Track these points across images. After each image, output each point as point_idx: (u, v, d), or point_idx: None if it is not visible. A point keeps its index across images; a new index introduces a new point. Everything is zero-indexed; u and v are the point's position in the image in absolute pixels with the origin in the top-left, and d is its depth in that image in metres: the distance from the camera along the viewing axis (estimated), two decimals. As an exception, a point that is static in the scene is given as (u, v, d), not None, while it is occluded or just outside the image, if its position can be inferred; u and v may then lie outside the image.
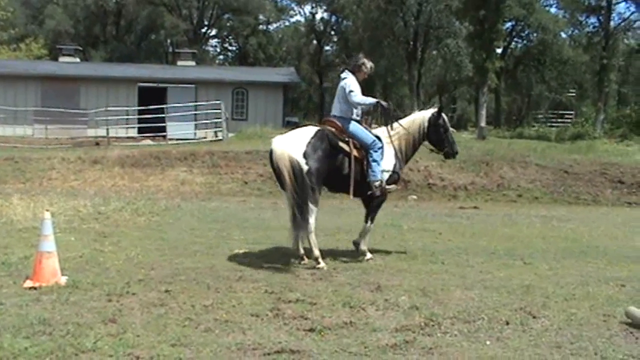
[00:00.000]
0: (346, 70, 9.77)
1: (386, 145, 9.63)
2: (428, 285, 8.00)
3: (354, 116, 9.60)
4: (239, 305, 6.88)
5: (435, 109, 10.27)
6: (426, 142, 10.29)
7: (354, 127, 9.47)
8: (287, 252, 9.72)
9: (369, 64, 9.69)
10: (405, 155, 10.06)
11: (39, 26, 63.96)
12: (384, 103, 9.76)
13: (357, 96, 9.39)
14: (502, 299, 7.40)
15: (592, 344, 5.90)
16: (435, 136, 10.16)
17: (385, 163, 9.51)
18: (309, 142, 8.91)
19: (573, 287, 8.17)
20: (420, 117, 10.14)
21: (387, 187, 9.62)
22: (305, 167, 8.74)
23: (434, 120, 10.07)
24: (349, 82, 9.46)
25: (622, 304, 7.16)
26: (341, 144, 9.29)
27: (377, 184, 9.37)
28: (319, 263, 8.94)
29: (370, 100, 9.57)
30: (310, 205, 8.79)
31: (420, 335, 6.04)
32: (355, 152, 9.32)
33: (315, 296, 7.29)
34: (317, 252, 9.01)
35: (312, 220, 8.91)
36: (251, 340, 5.75)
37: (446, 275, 8.76)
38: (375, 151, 9.36)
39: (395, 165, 9.71)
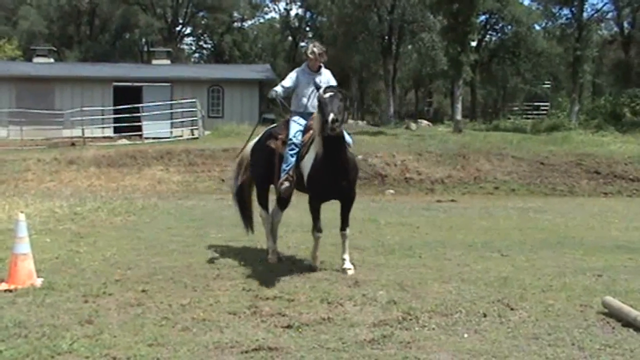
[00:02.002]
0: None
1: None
2: (406, 279, 8.02)
3: (303, 110, 8.91)
4: (216, 303, 6.85)
5: None
6: None
7: (292, 121, 8.85)
8: (264, 249, 9.69)
9: (310, 48, 8.97)
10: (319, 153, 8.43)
11: (13, 27, 63.34)
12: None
13: (273, 89, 9.00)
14: (480, 292, 7.43)
15: (569, 335, 5.94)
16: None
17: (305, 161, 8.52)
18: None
19: (550, 278, 8.22)
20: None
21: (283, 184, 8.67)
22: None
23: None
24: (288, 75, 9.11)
25: (599, 294, 7.21)
26: (269, 141, 9.01)
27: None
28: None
29: (275, 88, 9.00)
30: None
31: (398, 329, 6.04)
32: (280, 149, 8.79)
33: (292, 293, 7.28)
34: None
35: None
36: (229, 338, 5.73)
37: (424, 269, 8.79)
38: (287, 147, 8.64)
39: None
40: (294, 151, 8.55)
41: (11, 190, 19.73)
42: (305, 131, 8.65)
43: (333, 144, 7.94)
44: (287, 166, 8.55)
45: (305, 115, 8.80)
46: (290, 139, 8.59)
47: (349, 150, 8.36)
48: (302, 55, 9.12)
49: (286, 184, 8.53)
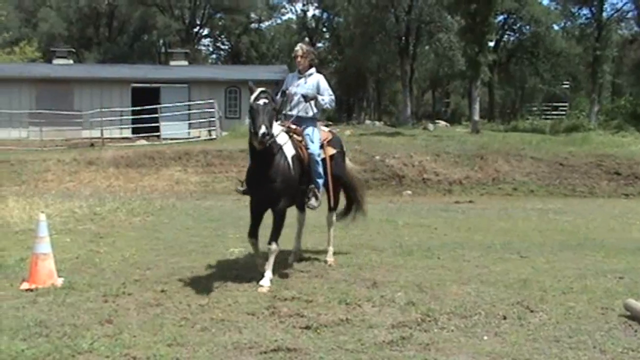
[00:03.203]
0: None
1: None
2: (424, 280, 7.99)
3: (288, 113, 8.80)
4: (235, 304, 6.86)
5: None
6: None
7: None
8: (281, 249, 9.69)
9: (297, 46, 8.82)
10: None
11: (33, 29, 63.77)
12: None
13: None
14: (499, 294, 7.39)
15: (590, 338, 5.89)
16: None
17: None
18: None
19: (570, 280, 8.16)
20: None
21: None
22: None
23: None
24: None
25: (620, 297, 7.15)
26: None
27: None
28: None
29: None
30: None
31: (416, 331, 6.02)
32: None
33: (311, 294, 7.28)
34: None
35: None
36: (247, 338, 5.74)
37: (442, 271, 8.75)
38: None
39: None
40: None
41: (31, 190, 19.86)
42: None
43: (261, 154, 7.60)
44: None
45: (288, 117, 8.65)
46: None
47: (286, 160, 7.92)
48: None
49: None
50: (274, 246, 7.89)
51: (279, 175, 7.79)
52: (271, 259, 7.89)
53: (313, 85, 8.60)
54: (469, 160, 24.42)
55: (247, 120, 8.38)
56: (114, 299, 7.02)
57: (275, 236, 7.94)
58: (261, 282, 7.63)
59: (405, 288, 7.53)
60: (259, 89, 7.63)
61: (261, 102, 7.41)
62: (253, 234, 8.17)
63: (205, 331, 5.95)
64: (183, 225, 13.15)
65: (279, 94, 8.36)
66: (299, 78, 8.68)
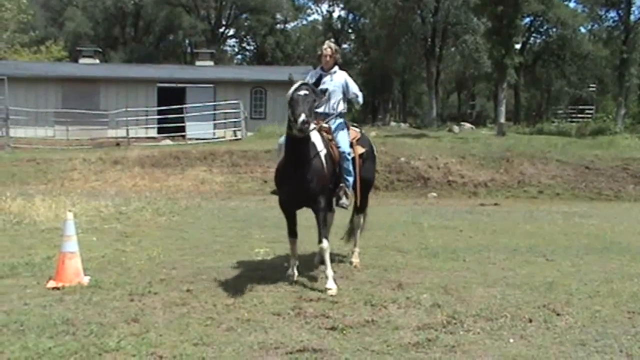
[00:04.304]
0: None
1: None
2: (450, 282, 7.97)
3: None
4: (260, 304, 6.89)
5: None
6: None
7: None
8: (306, 250, 9.70)
9: (326, 44, 8.69)
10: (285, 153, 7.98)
11: (59, 29, 64.44)
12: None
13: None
14: (525, 297, 7.35)
15: (617, 342, 5.85)
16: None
17: None
18: None
19: (597, 283, 8.10)
20: None
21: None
22: None
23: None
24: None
25: (646, 301, 7.10)
26: None
27: None
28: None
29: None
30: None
31: (442, 333, 6.01)
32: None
33: (336, 295, 7.28)
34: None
35: None
36: (273, 339, 5.76)
37: (468, 273, 8.72)
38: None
39: None
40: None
41: (57, 189, 20.01)
42: None
43: (296, 150, 7.53)
44: None
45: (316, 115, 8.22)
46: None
47: (319, 157, 7.74)
48: (318, 55, 8.80)
49: None
50: (325, 244, 7.72)
51: (314, 174, 7.63)
52: (327, 259, 7.75)
53: (340, 84, 8.53)
54: (495, 162, 24.28)
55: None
56: (140, 298, 7.07)
57: (323, 233, 7.75)
58: (327, 285, 7.50)
59: (430, 290, 7.52)
60: (300, 81, 7.61)
61: (302, 92, 7.38)
62: (293, 232, 8.19)
63: (231, 331, 5.98)
64: (208, 225, 13.21)
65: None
66: (324, 75, 8.54)
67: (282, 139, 7.96)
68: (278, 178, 8.01)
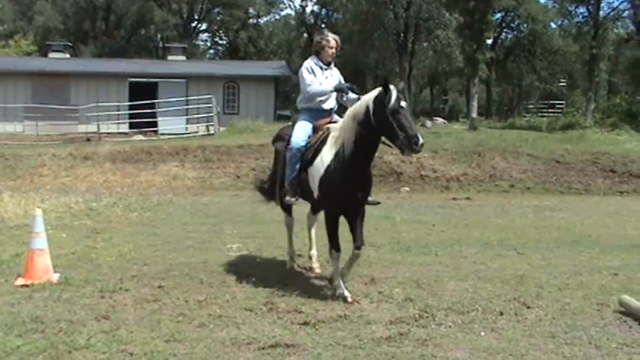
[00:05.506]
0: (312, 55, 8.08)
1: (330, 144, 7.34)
2: (422, 277, 8.01)
3: (315, 106, 7.92)
4: (232, 299, 6.87)
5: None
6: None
7: (297, 121, 7.96)
8: (280, 245, 9.69)
9: (330, 36, 7.91)
10: (349, 154, 7.00)
11: (28, 22, 63.63)
12: (342, 85, 7.84)
13: (312, 87, 7.73)
14: (496, 290, 7.41)
15: (586, 333, 5.92)
16: (381, 123, 6.76)
17: (314, 167, 7.39)
18: None
19: (566, 276, 8.19)
20: (362, 100, 7.14)
21: (287, 197, 7.84)
22: None
23: (379, 102, 6.81)
24: (303, 70, 7.86)
25: (615, 293, 7.18)
26: (276, 143, 8.40)
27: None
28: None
29: (324, 88, 7.77)
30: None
31: (414, 327, 6.04)
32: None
33: (309, 289, 7.27)
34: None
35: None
36: (245, 334, 5.74)
37: (440, 267, 8.77)
38: (289, 152, 7.73)
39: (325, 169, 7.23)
40: (296, 158, 7.58)
41: (27, 185, 19.82)
42: (314, 132, 7.72)
43: (369, 148, 7.02)
44: (290, 176, 7.67)
45: (315, 112, 7.89)
46: (291, 144, 7.65)
47: None
48: (318, 46, 7.91)
49: (290, 198, 7.73)
50: (363, 250, 7.46)
51: (371, 176, 7.46)
52: (356, 262, 7.61)
53: (338, 79, 8.05)
54: (467, 157, 24.43)
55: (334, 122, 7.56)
56: (111, 294, 7.01)
57: (362, 237, 7.37)
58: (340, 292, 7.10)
59: (403, 284, 7.54)
60: (394, 87, 6.76)
61: (404, 104, 6.73)
62: (340, 246, 7.30)
63: (202, 327, 5.95)
64: (180, 221, 13.14)
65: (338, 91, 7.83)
66: (324, 69, 7.91)
67: (300, 142, 7.57)
68: (336, 181, 7.08)
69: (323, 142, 7.38)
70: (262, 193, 9.33)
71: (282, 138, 8.15)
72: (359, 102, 7.15)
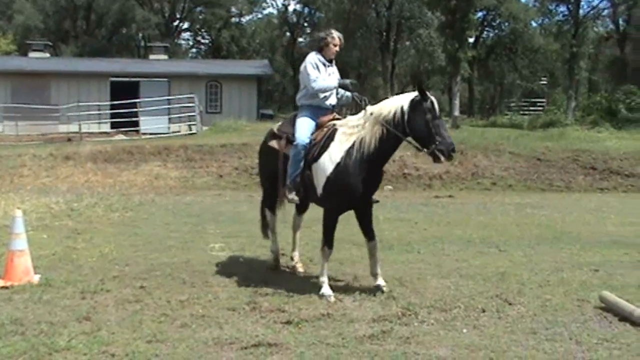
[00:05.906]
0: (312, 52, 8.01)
1: (339, 140, 7.33)
2: (404, 274, 8.04)
3: (317, 103, 7.82)
4: (215, 299, 6.85)
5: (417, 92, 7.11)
6: (410, 138, 7.19)
7: (299, 117, 7.82)
8: (262, 244, 9.67)
9: (335, 34, 7.85)
10: (368, 153, 7.08)
11: (7, 21, 62.99)
12: (346, 81, 7.87)
13: (317, 82, 7.64)
14: (478, 287, 7.45)
15: (567, 329, 5.96)
16: (418, 127, 6.97)
17: (320, 164, 7.33)
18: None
19: (547, 273, 8.25)
20: (394, 102, 7.25)
21: (289, 196, 7.68)
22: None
23: (415, 106, 6.97)
24: (307, 65, 7.75)
25: (596, 289, 7.24)
26: (271, 141, 8.18)
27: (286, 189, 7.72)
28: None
29: (329, 84, 7.76)
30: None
31: (397, 325, 6.05)
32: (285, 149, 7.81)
33: (292, 288, 7.27)
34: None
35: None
36: (228, 334, 5.73)
37: (422, 265, 8.80)
38: (293, 149, 7.62)
39: (335, 166, 7.21)
40: (301, 155, 7.48)
41: (6, 186, 19.64)
42: (316, 128, 7.64)
43: (390, 148, 7.23)
44: (293, 173, 7.57)
45: (317, 109, 7.79)
46: (296, 141, 7.54)
47: None
48: (322, 42, 7.84)
49: (293, 196, 7.61)
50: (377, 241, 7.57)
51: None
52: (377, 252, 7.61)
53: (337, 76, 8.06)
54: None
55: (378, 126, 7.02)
56: (92, 295, 6.97)
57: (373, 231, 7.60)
58: (379, 282, 7.34)
59: (385, 282, 7.54)
60: (431, 93, 6.99)
61: (437, 107, 6.94)
62: (333, 244, 7.46)
63: (185, 327, 5.93)
64: (162, 221, 13.09)
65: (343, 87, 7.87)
66: (327, 66, 7.86)
67: (305, 139, 7.49)
68: (349, 179, 7.09)
69: (330, 138, 7.37)
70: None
71: (279, 136, 8.03)
72: (386, 103, 7.30)
